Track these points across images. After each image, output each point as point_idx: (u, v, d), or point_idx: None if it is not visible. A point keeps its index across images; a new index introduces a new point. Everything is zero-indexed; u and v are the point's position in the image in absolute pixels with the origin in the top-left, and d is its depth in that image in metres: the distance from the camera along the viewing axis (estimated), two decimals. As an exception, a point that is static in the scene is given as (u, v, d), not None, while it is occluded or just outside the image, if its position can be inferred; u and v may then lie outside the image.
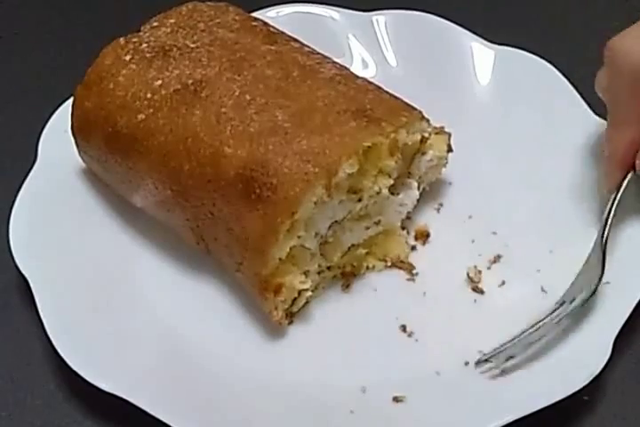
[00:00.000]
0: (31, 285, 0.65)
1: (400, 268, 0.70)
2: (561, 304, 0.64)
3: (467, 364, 0.63)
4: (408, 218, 0.71)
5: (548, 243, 0.69)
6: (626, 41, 0.63)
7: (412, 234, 0.71)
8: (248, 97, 0.63)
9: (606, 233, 0.65)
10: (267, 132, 0.61)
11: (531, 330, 0.62)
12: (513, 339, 0.62)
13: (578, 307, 0.63)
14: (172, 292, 0.68)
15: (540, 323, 0.62)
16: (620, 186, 0.66)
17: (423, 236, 0.71)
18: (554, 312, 0.63)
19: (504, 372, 0.62)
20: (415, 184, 0.70)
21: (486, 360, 0.62)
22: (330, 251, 0.67)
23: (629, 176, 0.66)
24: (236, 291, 0.68)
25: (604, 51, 0.64)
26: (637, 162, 0.65)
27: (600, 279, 0.63)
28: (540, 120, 0.75)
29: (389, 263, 0.70)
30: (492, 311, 0.67)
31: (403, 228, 0.70)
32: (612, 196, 0.66)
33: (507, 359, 0.62)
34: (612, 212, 0.66)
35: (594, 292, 0.63)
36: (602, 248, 0.64)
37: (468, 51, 0.79)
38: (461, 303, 0.67)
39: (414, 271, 0.69)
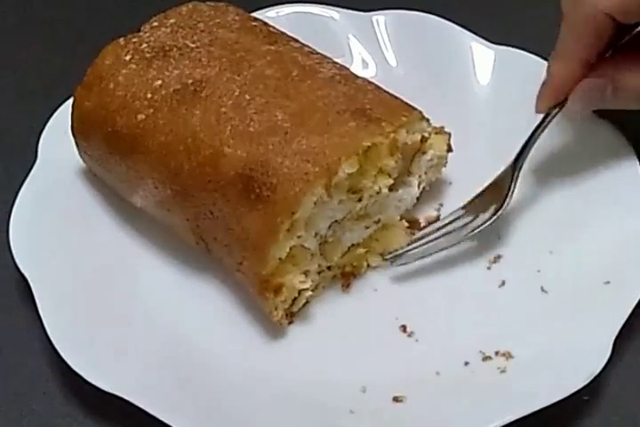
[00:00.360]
0: (31, 285, 0.65)
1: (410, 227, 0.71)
2: (463, 211, 0.69)
3: (467, 364, 0.63)
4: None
5: (547, 243, 0.69)
6: None
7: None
8: (248, 97, 0.63)
9: (525, 153, 0.69)
10: (266, 132, 0.62)
11: (436, 235, 0.68)
12: (418, 240, 0.69)
13: (480, 225, 0.67)
14: (171, 292, 0.68)
15: (442, 231, 0.68)
16: (549, 115, 0.69)
17: (416, 224, 0.72)
18: (455, 220, 0.68)
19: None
20: (415, 182, 0.70)
21: (395, 259, 0.68)
22: (330, 251, 0.67)
23: (557, 109, 0.69)
24: (237, 291, 0.68)
25: None
26: (572, 95, 0.67)
27: (508, 199, 0.67)
28: (540, 120, 0.75)
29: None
30: (493, 311, 0.66)
31: (401, 219, 0.70)
32: (539, 122, 0.69)
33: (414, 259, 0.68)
34: (534, 136, 0.69)
35: (499, 210, 0.67)
36: (516, 168, 0.68)
37: (467, 51, 0.79)
38: (461, 304, 0.67)
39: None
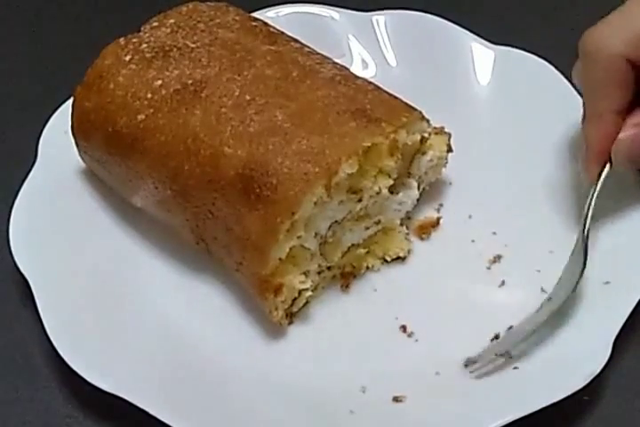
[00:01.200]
0: (31, 285, 0.65)
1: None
2: (548, 300, 0.64)
3: (467, 364, 0.63)
4: (408, 218, 0.72)
5: (547, 243, 0.69)
6: (600, 32, 0.63)
7: (412, 228, 0.72)
8: (248, 97, 0.63)
9: (587, 227, 0.65)
10: (266, 132, 0.62)
11: (517, 328, 0.63)
12: (497, 337, 0.64)
13: (561, 303, 0.63)
14: (171, 292, 0.68)
15: (527, 320, 0.63)
16: (599, 179, 0.66)
17: (430, 227, 0.72)
18: (541, 308, 0.64)
19: (495, 370, 0.62)
20: (415, 184, 0.70)
21: (474, 361, 0.63)
22: (330, 251, 0.67)
23: (607, 169, 0.65)
24: (236, 291, 0.68)
25: (579, 42, 0.64)
26: (613, 155, 0.64)
27: (581, 274, 0.63)
28: (540, 120, 0.75)
29: (390, 259, 0.70)
30: (493, 312, 0.66)
31: (401, 224, 0.70)
32: (592, 189, 0.66)
33: (496, 357, 0.62)
34: (592, 205, 0.65)
35: (575, 287, 0.63)
36: (584, 242, 0.64)
37: (468, 51, 0.79)
38: (461, 304, 0.67)
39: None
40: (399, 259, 0.70)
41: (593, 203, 0.65)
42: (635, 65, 0.62)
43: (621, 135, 0.63)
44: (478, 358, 0.62)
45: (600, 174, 0.65)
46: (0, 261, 0.70)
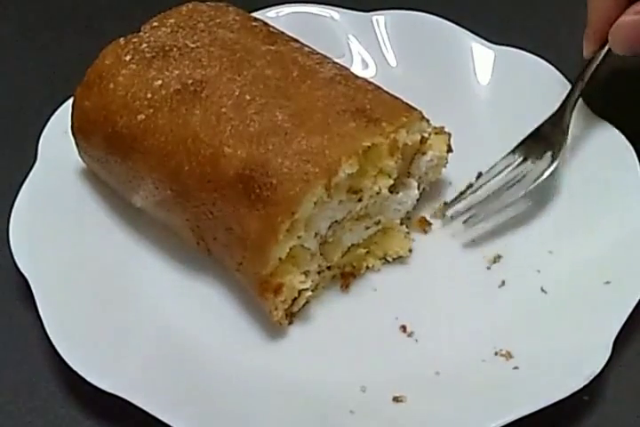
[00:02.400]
0: (31, 285, 0.65)
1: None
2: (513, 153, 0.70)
3: (466, 364, 0.63)
4: (408, 218, 0.72)
5: (547, 243, 0.69)
6: None
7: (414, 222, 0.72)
8: (248, 97, 0.63)
9: (574, 100, 0.69)
10: (266, 132, 0.62)
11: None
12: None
13: (540, 180, 0.68)
14: (171, 292, 0.68)
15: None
16: (596, 55, 0.69)
17: (424, 225, 0.72)
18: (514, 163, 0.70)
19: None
20: (415, 184, 0.70)
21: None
22: (330, 251, 0.67)
23: (605, 49, 0.69)
24: (236, 291, 0.68)
25: None
26: (610, 37, 0.66)
27: (562, 148, 0.68)
28: (540, 120, 0.75)
29: (390, 259, 0.70)
30: (493, 311, 0.66)
31: (401, 224, 0.70)
32: (587, 63, 0.69)
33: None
34: (585, 79, 0.70)
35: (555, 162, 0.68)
36: (568, 116, 0.69)
37: (468, 51, 0.79)
38: (461, 304, 0.67)
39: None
40: (399, 258, 0.70)
41: (586, 77, 0.69)
42: None
43: (621, 19, 0.65)
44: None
45: (599, 51, 0.69)
46: (0, 261, 0.70)
